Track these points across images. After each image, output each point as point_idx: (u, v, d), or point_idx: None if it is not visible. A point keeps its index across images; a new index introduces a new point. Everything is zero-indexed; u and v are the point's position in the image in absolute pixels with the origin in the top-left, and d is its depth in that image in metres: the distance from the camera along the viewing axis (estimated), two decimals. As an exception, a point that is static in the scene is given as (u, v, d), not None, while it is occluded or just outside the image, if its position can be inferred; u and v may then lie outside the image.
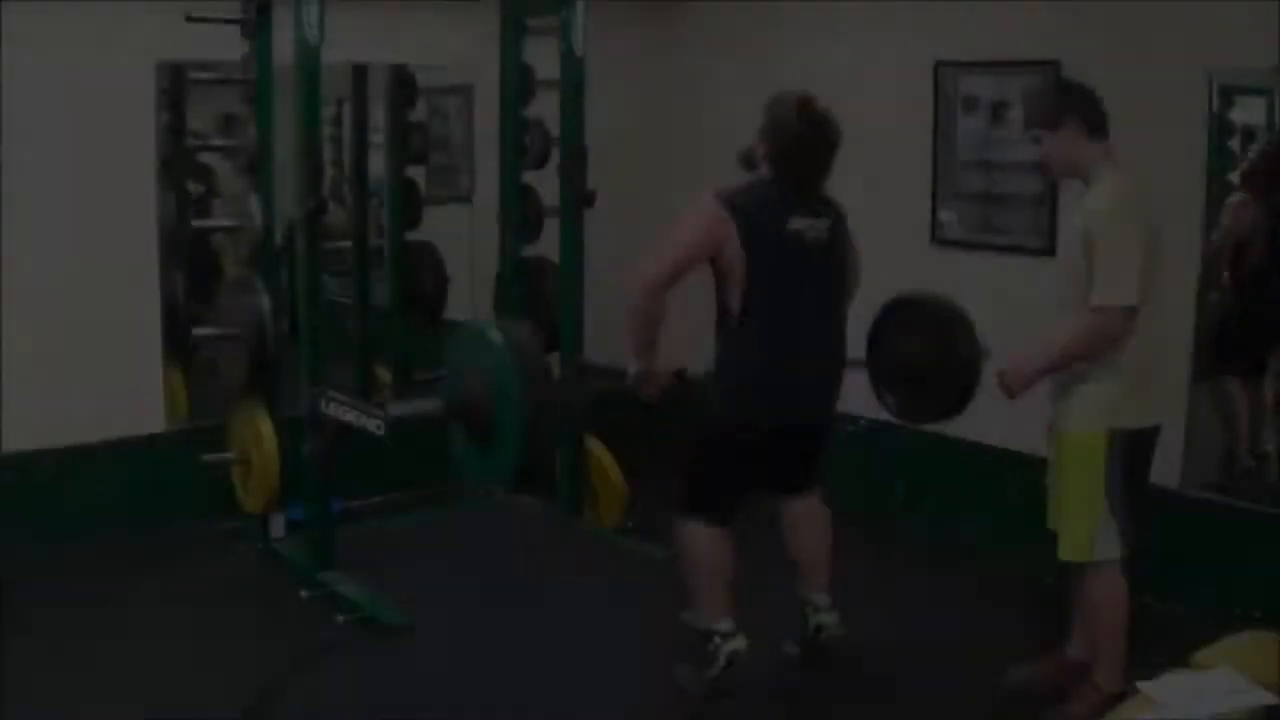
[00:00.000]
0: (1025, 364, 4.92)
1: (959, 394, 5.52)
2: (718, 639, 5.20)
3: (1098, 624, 4.95)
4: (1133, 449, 4.85)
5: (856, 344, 5.54)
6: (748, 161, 5.22)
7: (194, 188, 8.16)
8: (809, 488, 5.58)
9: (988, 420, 6.37)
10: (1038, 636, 5.52)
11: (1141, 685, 4.06)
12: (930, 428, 6.94)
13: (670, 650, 5.46)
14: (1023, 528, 6.34)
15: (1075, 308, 4.81)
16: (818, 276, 5.13)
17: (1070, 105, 4.87)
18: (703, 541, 5.22)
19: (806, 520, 5.57)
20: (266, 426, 6.55)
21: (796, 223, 5.02)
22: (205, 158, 8.00)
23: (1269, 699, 3.86)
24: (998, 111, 6.66)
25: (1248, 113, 6.18)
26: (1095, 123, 4.86)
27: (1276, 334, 6.43)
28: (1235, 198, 6.23)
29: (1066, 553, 4.98)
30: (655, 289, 4.96)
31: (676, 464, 5.38)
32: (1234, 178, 6.27)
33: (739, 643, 5.20)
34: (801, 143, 5.07)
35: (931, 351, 5.55)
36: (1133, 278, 4.64)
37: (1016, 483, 6.55)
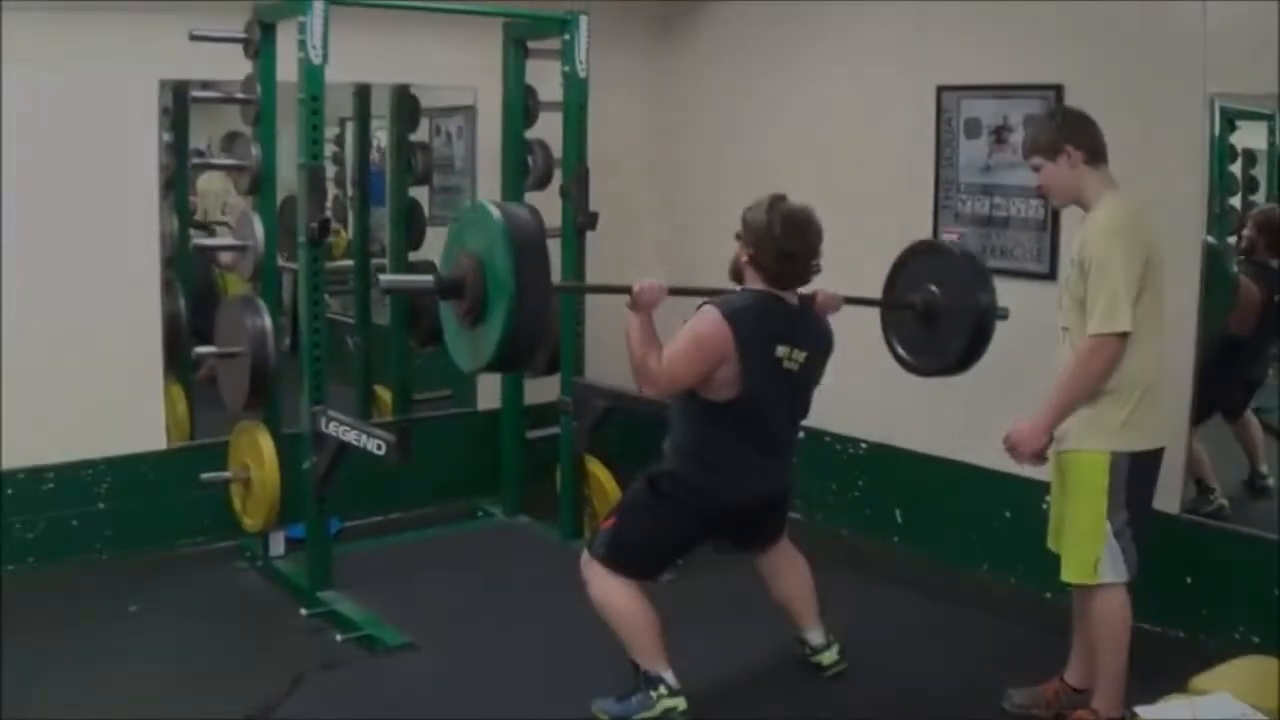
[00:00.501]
0: (1031, 429, 4.88)
1: (970, 344, 5.61)
2: (663, 689, 5.11)
3: (1100, 648, 4.93)
4: (1136, 471, 4.84)
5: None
6: (737, 274, 5.24)
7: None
8: (773, 541, 5.60)
9: (987, 443, 6.38)
10: (1037, 660, 5.49)
11: (1140, 710, 4.05)
12: (931, 450, 6.97)
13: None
14: (1022, 551, 6.35)
15: (1075, 334, 4.81)
16: (785, 397, 5.18)
17: (1069, 134, 4.86)
18: (625, 599, 5.15)
19: (782, 566, 5.61)
20: (267, 445, 6.54)
21: (780, 350, 5.06)
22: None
23: (1267, 724, 3.86)
24: (1000, 135, 6.66)
25: (1249, 137, 6.18)
26: (1094, 150, 4.87)
27: (1253, 387, 6.57)
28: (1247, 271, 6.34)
29: (1070, 575, 4.96)
30: (651, 386, 5.00)
31: (618, 509, 5.36)
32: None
33: (681, 703, 5.12)
34: (779, 242, 5.03)
35: (948, 297, 5.63)
36: (1126, 304, 4.64)
37: (1016, 506, 6.56)
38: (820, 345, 5.25)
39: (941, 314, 5.66)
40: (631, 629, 5.15)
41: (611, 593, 5.15)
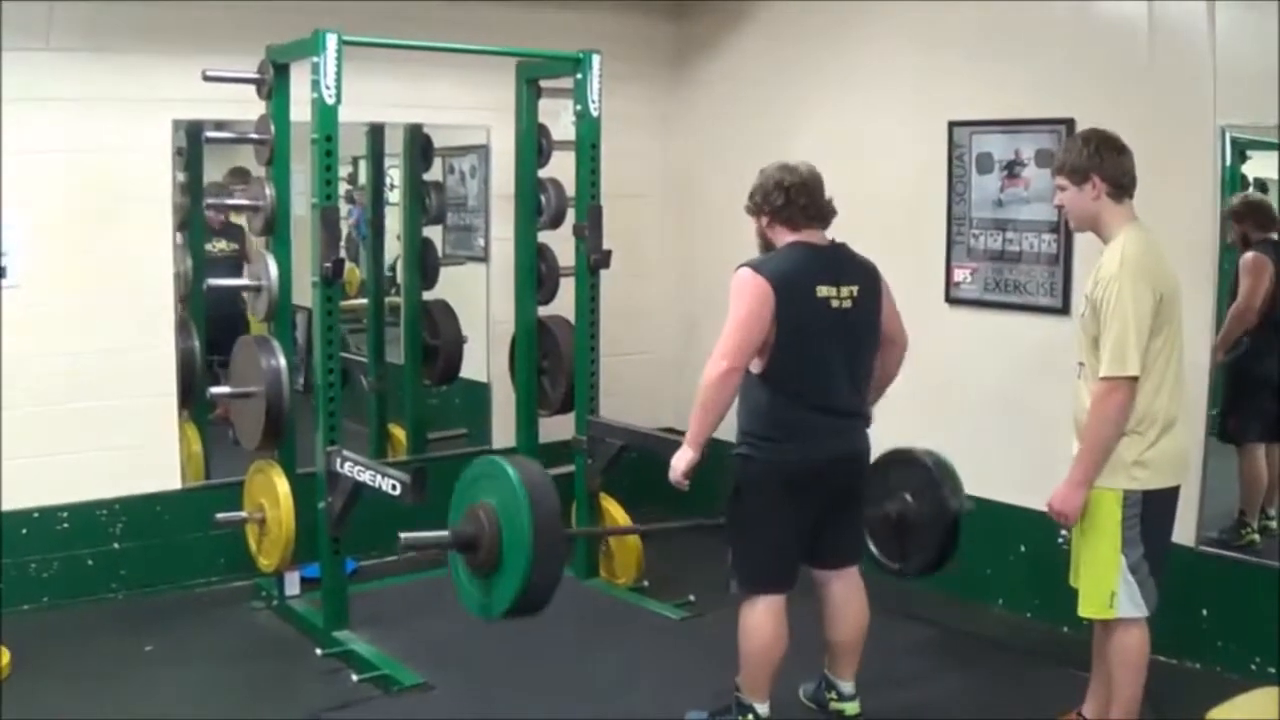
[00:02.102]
0: (1066, 490, 4.84)
1: (941, 549, 5.72)
2: (751, 718, 5.21)
3: (1116, 681, 4.91)
4: (1150, 509, 4.82)
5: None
6: (767, 247, 5.31)
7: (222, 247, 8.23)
8: (852, 557, 5.50)
9: (1001, 478, 6.39)
10: (1053, 694, 5.47)
11: (1157, 743, 4.05)
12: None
13: (685, 708, 5.47)
14: (1037, 585, 6.34)
15: (1090, 371, 4.81)
16: (840, 340, 5.14)
17: (1098, 164, 4.83)
18: (755, 629, 5.19)
19: (848, 603, 5.49)
20: (283, 484, 6.54)
21: (824, 290, 5.08)
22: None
23: (1284, 756, 3.85)
24: (1012, 170, 6.66)
25: (1261, 167, 6.17)
26: (1120, 184, 4.85)
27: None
28: (1248, 256, 6.20)
29: (1086, 610, 4.95)
30: (728, 378, 5.02)
31: (724, 537, 5.32)
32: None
33: None
34: (785, 184, 5.22)
35: (917, 507, 5.75)
36: (1134, 348, 4.62)
37: (1031, 541, 6.54)
38: (869, 277, 5.25)
39: (913, 521, 5.75)
40: (748, 656, 5.23)
41: (753, 622, 5.21)
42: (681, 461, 5.20)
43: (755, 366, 5.08)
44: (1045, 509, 4.92)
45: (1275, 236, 6.24)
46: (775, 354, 5.03)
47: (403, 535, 4.84)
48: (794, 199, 5.18)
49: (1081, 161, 4.87)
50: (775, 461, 5.09)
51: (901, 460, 5.85)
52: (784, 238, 5.21)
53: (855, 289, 5.15)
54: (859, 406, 5.29)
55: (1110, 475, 4.80)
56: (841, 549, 5.43)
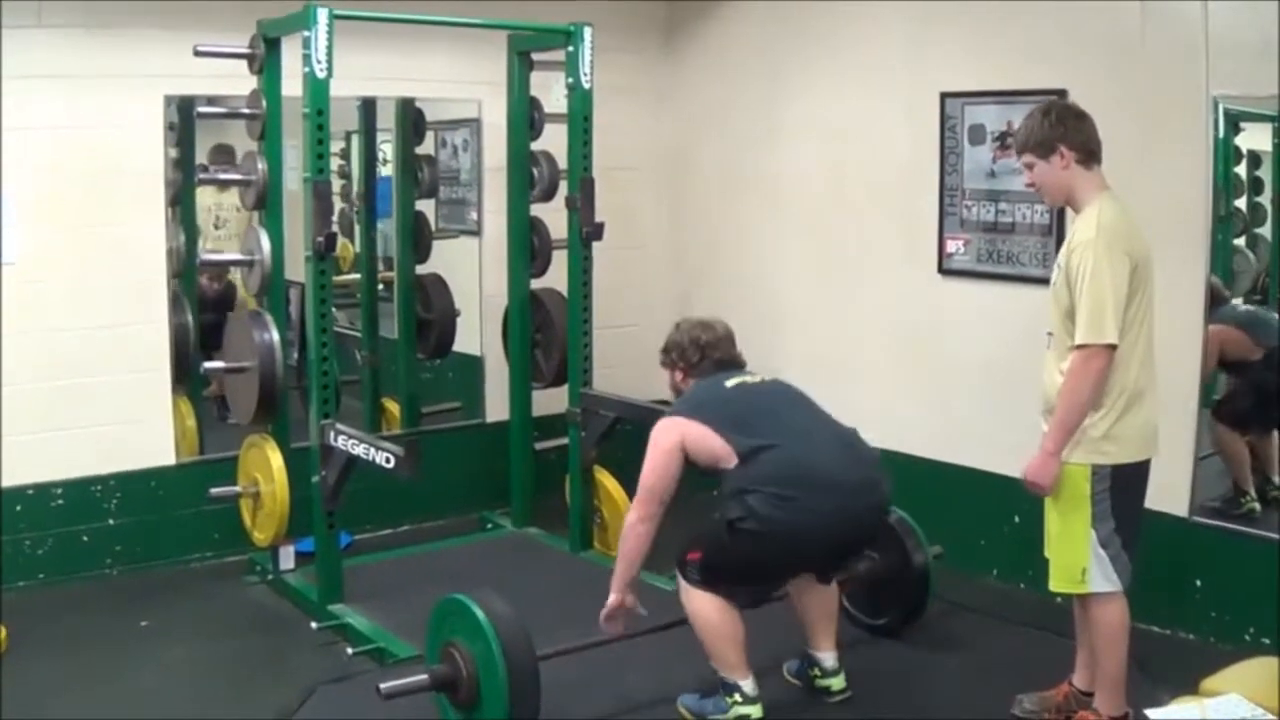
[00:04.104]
0: (1039, 461, 4.81)
1: (915, 599, 6.04)
2: (738, 696, 5.16)
3: (1099, 652, 4.90)
4: (1119, 483, 4.79)
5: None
6: (678, 393, 5.57)
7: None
8: (830, 581, 5.57)
9: (994, 447, 6.39)
10: (1046, 664, 5.48)
11: (1151, 713, 4.06)
12: (939, 456, 6.96)
13: (680, 682, 5.48)
14: (1031, 555, 6.34)
15: (1059, 342, 4.80)
16: (789, 405, 5.30)
17: (1062, 133, 4.80)
18: (710, 610, 5.17)
19: (814, 585, 5.52)
20: (277, 459, 6.55)
21: (732, 380, 5.35)
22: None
23: (1277, 725, 3.86)
24: (1004, 141, 6.64)
25: (1255, 138, 6.16)
26: (1088, 150, 4.81)
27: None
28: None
29: (1058, 585, 4.93)
30: (635, 528, 5.28)
31: (701, 535, 5.26)
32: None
33: (755, 710, 5.17)
34: (699, 341, 5.52)
35: (885, 563, 6.02)
36: (1111, 316, 4.59)
37: (1024, 510, 6.54)
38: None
39: (884, 577, 6.02)
40: (711, 638, 5.20)
41: (698, 603, 5.20)
42: (608, 608, 5.42)
43: (732, 458, 5.10)
44: (1026, 485, 4.90)
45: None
46: (736, 448, 5.07)
47: (382, 686, 4.99)
48: (708, 355, 5.52)
49: (1045, 133, 4.83)
50: (780, 526, 4.99)
51: None
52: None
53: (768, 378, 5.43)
54: (860, 455, 5.28)
55: (1079, 450, 4.77)
56: (825, 576, 5.51)
